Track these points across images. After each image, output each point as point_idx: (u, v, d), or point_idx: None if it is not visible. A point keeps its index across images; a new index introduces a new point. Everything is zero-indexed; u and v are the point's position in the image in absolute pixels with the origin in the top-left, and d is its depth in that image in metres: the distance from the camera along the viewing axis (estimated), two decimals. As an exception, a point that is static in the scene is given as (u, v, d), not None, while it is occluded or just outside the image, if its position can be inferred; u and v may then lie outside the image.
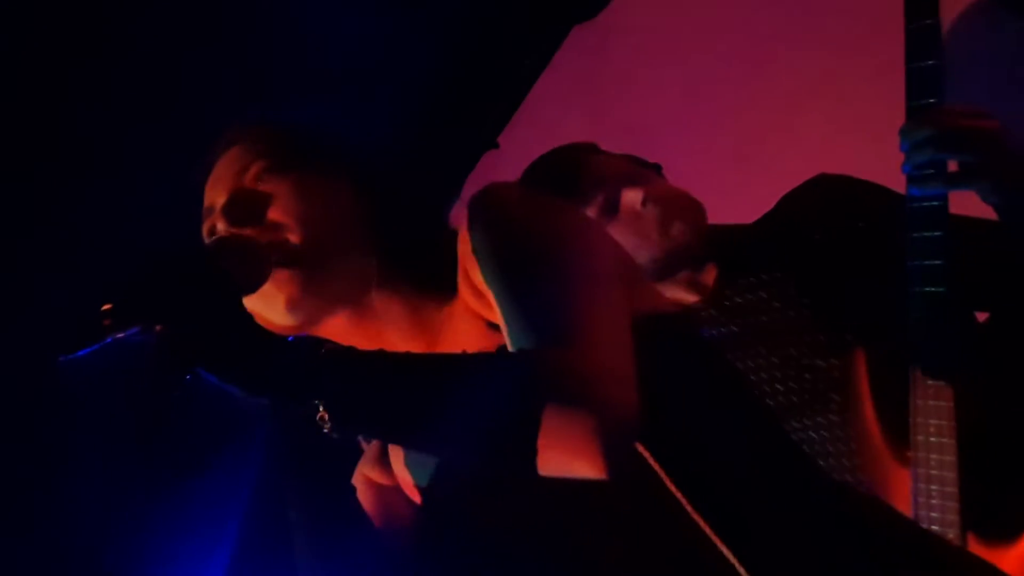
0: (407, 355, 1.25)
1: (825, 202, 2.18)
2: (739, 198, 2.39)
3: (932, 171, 1.83)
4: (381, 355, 1.23)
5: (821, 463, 2.07)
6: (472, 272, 1.34)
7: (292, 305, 1.37)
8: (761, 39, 3.11)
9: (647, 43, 3.38)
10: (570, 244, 1.29)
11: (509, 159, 3.53)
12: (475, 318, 1.37)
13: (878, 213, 2.10)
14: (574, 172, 2.20)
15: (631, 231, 2.15)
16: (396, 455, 1.44)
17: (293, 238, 1.38)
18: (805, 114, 3.00)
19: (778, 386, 2.12)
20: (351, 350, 1.24)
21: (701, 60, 3.23)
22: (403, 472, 1.43)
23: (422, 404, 1.18)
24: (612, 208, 2.17)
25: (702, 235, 2.19)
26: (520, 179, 2.26)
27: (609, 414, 1.16)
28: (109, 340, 1.11)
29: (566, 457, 1.15)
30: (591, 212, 2.17)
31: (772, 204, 2.27)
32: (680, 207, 2.18)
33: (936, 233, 1.84)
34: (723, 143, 3.15)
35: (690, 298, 2.23)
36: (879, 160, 2.00)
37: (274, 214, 1.39)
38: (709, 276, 2.22)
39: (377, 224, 1.43)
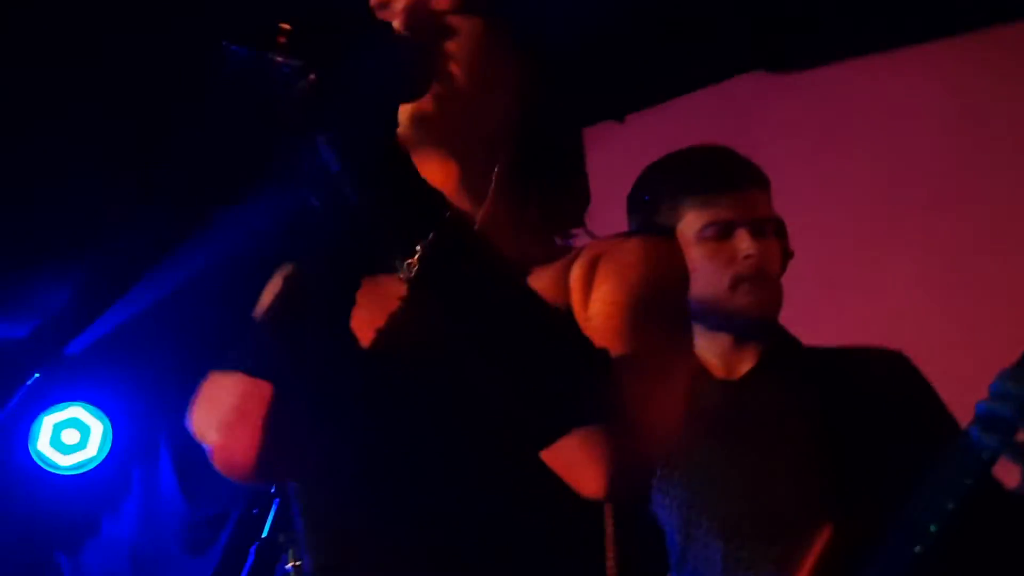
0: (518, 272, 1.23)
1: (889, 374, 2.10)
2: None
3: (1002, 425, 1.79)
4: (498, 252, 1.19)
5: None
6: (601, 264, 1.30)
7: (418, 123, 1.28)
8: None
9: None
10: (683, 300, 1.33)
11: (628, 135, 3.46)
12: (548, 279, 1.31)
13: (929, 424, 2.04)
14: (737, 171, 2.14)
15: (716, 266, 2.07)
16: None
17: (456, 74, 1.30)
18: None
19: (732, 491, 2.04)
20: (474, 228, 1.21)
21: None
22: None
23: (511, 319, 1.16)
24: (724, 234, 2.09)
25: (767, 317, 2.11)
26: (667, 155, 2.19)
27: (635, 447, 1.17)
28: (270, 56, 1.08)
29: (578, 457, 1.16)
30: (708, 218, 2.10)
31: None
32: (770, 283, 2.10)
33: (966, 481, 1.81)
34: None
35: (713, 361, 2.14)
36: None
37: (449, 46, 1.31)
38: (748, 356, 2.13)
39: (529, 124, 1.37)
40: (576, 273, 1.31)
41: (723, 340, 2.13)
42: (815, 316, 2.35)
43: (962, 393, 1.96)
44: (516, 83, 1.36)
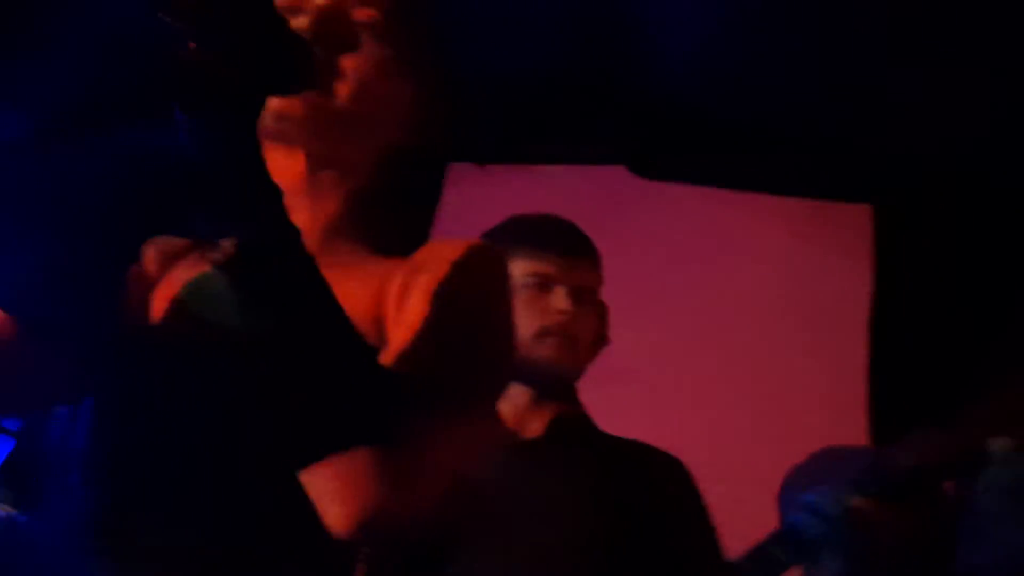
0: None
1: (666, 477, 2.13)
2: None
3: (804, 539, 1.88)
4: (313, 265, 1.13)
5: None
6: (424, 272, 1.23)
7: (279, 119, 1.21)
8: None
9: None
10: (500, 314, 1.25)
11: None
12: (366, 293, 1.24)
13: (689, 535, 2.09)
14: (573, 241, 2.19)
15: (529, 315, 2.09)
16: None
17: (338, 92, 1.25)
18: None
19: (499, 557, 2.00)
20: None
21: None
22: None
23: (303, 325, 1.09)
24: (544, 287, 2.13)
25: (565, 377, 2.14)
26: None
27: (400, 491, 1.09)
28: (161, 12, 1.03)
29: (332, 487, 1.08)
30: (533, 268, 2.13)
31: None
32: (576, 347, 2.12)
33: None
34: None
35: (508, 416, 2.11)
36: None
37: (346, 62, 1.26)
38: (541, 418, 2.12)
39: (398, 156, 1.32)
40: (395, 283, 1.24)
41: (521, 395, 2.14)
42: (611, 406, 2.42)
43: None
44: (400, 119, 1.32)
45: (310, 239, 1.16)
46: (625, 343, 2.31)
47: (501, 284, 1.29)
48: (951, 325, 3.24)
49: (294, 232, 1.12)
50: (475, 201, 2.56)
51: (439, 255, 1.25)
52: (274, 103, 1.21)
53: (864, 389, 3.34)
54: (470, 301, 1.23)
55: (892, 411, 3.23)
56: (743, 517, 2.06)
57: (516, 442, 2.13)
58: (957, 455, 1.90)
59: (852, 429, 3.18)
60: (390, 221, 1.34)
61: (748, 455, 2.98)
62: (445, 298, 1.20)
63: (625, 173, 3.46)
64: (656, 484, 2.14)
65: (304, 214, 1.25)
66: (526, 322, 2.10)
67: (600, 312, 2.22)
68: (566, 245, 2.20)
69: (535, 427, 2.14)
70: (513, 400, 2.14)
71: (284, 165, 1.25)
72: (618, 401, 2.39)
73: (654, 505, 2.09)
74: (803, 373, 3.35)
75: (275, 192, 1.11)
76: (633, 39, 3.06)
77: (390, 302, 1.23)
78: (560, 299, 2.13)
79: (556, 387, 2.15)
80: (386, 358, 1.17)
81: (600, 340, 2.21)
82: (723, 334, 3.38)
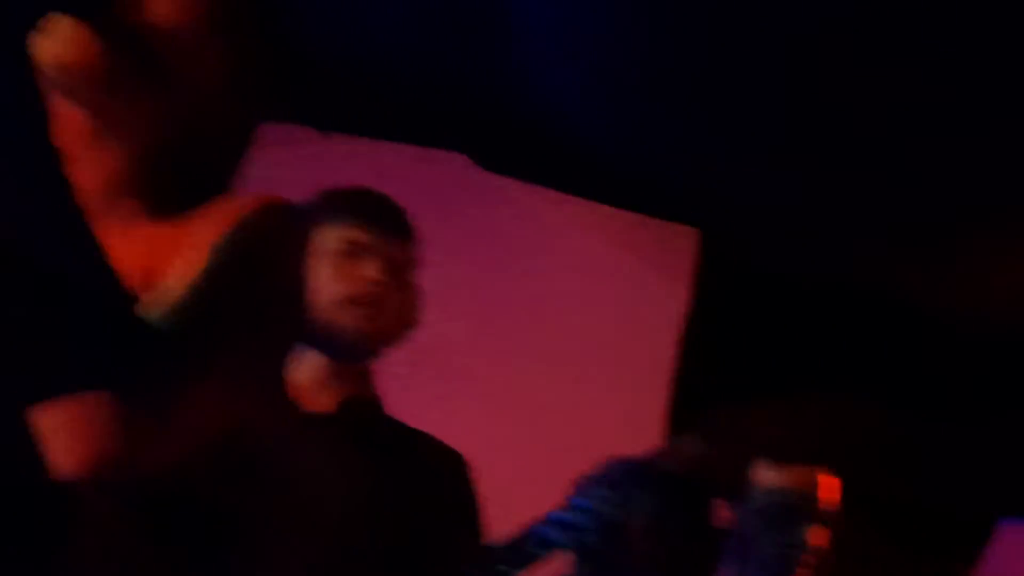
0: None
1: (449, 470, 2.17)
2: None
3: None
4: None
5: None
6: (206, 225, 1.17)
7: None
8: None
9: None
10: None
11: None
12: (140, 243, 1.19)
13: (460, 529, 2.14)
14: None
15: (337, 281, 2.08)
16: None
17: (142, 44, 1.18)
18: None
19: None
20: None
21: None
22: None
23: None
24: (355, 254, 2.10)
25: (366, 348, 2.12)
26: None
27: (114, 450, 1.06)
28: None
29: (61, 425, 1.06)
30: (347, 236, 2.11)
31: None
32: (380, 319, 2.10)
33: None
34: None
35: (305, 387, 2.09)
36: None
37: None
38: (335, 394, 2.11)
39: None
40: (174, 237, 1.18)
41: (318, 367, 2.12)
42: (408, 393, 2.41)
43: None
44: (204, 78, 1.26)
45: (92, 196, 1.13)
46: (432, 331, 2.31)
47: (293, 243, 1.25)
48: (756, 359, 3.34)
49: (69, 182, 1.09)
50: (305, 166, 2.54)
51: (226, 209, 1.21)
52: (55, 51, 1.15)
53: (664, 408, 3.41)
54: (255, 257, 1.19)
55: (687, 431, 3.31)
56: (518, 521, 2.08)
57: (303, 414, 2.11)
58: (713, 468, 1.95)
59: (649, 445, 3.24)
60: (183, 181, 1.31)
61: (538, 460, 3.01)
62: (225, 251, 1.16)
63: (464, 161, 3.46)
64: (433, 477, 2.15)
65: (87, 170, 1.20)
66: (333, 287, 2.08)
67: (411, 292, 2.19)
68: (385, 219, 2.18)
69: (325, 402, 2.12)
70: (308, 370, 2.12)
71: (68, 117, 1.19)
72: (416, 389, 2.40)
73: (427, 497, 2.11)
74: (607, 384, 3.41)
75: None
76: (496, 35, 3.06)
77: (165, 255, 1.19)
78: (371, 269, 2.10)
79: (354, 360, 2.14)
80: (152, 308, 1.13)
81: (407, 321, 2.19)
82: (533, 335, 3.41)
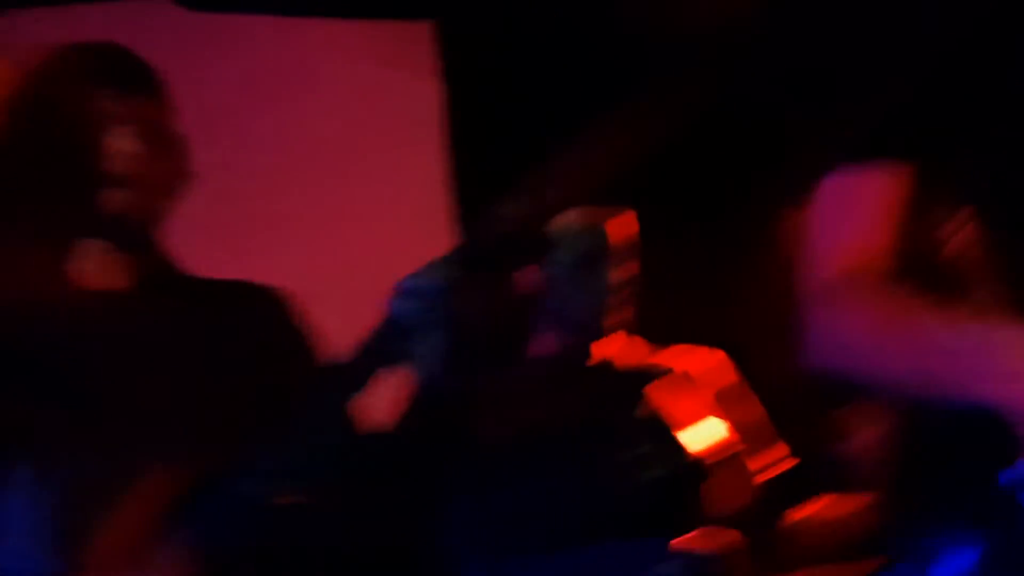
0: None
1: (268, 309, 2.11)
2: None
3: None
4: None
5: None
6: None
7: None
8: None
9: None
10: None
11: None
12: None
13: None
14: None
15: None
16: None
17: None
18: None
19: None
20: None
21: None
22: None
23: None
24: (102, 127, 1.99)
25: (145, 223, 2.03)
26: None
27: None
28: None
29: None
30: None
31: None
32: (147, 191, 1.99)
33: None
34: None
35: (88, 270, 2.01)
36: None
37: None
38: (126, 269, 2.03)
39: None
40: None
41: (97, 250, 2.00)
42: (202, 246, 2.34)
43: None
44: None
45: None
46: (206, 182, 2.21)
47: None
48: (525, 126, 3.33)
49: None
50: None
51: None
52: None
53: (448, 198, 3.42)
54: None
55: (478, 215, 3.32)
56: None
57: (105, 297, 2.02)
58: (532, 221, 1.94)
59: (444, 240, 3.26)
60: None
61: (349, 280, 2.98)
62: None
63: (168, 7, 3.27)
64: (255, 317, 2.10)
65: None
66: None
67: (176, 147, 2.05)
68: (121, 77, 1.99)
69: (121, 281, 2.03)
70: (91, 256, 2.01)
71: None
72: (207, 241, 2.32)
73: (256, 338, 2.06)
74: (390, 196, 3.40)
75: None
76: None
77: None
78: (124, 141, 1.98)
79: (134, 239, 2.03)
80: None
81: (181, 176, 2.07)
82: (301, 164, 3.36)
